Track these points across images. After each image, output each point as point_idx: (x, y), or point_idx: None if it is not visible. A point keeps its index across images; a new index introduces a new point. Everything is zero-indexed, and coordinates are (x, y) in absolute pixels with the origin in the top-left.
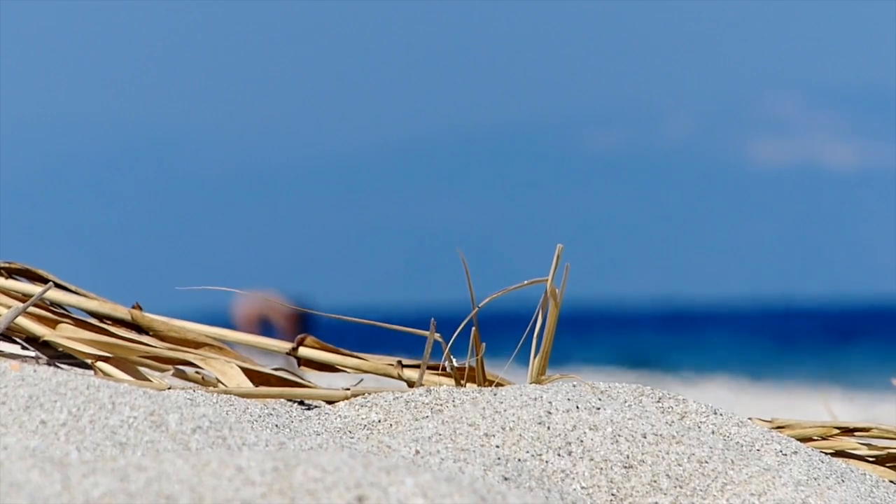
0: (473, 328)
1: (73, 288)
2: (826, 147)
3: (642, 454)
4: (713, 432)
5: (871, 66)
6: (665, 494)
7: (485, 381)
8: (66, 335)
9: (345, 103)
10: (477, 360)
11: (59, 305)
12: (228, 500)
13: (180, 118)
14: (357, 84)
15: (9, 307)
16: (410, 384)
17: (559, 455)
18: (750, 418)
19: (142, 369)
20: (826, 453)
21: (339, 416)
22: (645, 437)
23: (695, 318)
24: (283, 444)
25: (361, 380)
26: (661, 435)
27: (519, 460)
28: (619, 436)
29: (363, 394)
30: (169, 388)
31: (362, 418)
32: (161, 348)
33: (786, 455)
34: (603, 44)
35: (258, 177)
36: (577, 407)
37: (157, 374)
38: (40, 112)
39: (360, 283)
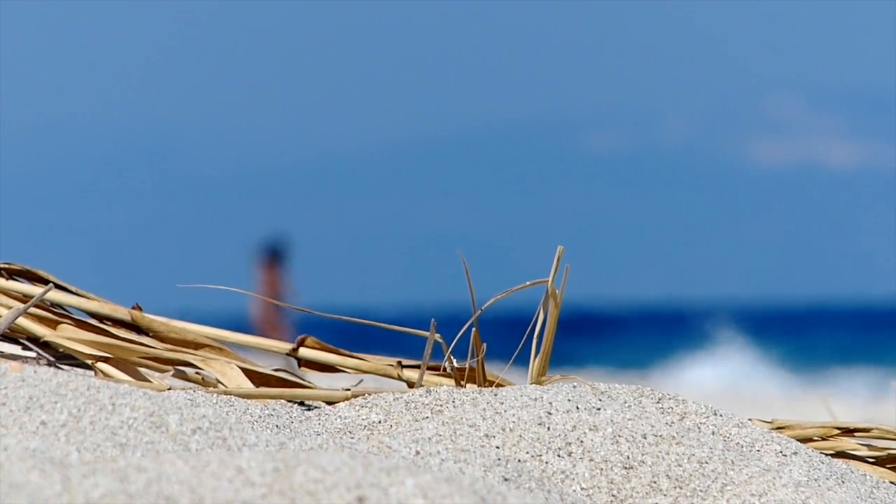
0: (474, 329)
1: (73, 289)
2: (826, 147)
3: (642, 455)
4: (713, 433)
5: (871, 66)
6: (665, 495)
7: (485, 382)
8: (66, 336)
9: (345, 103)
10: (477, 360)
11: (60, 306)
12: (228, 500)
13: (181, 118)
14: (357, 84)
15: (9, 308)
16: (410, 385)
17: (559, 456)
18: (750, 419)
19: (142, 370)
20: (826, 454)
21: (340, 416)
22: (645, 438)
23: (695, 318)
24: (284, 445)
25: (361, 380)
26: (661, 436)
27: (519, 461)
28: (619, 436)
29: (363, 394)
30: (169, 389)
31: (362, 419)
32: (161, 349)
33: (786, 456)
34: (603, 44)
35: (258, 176)
36: (578, 407)
37: (157, 374)
38: (40, 112)
39: (360, 283)
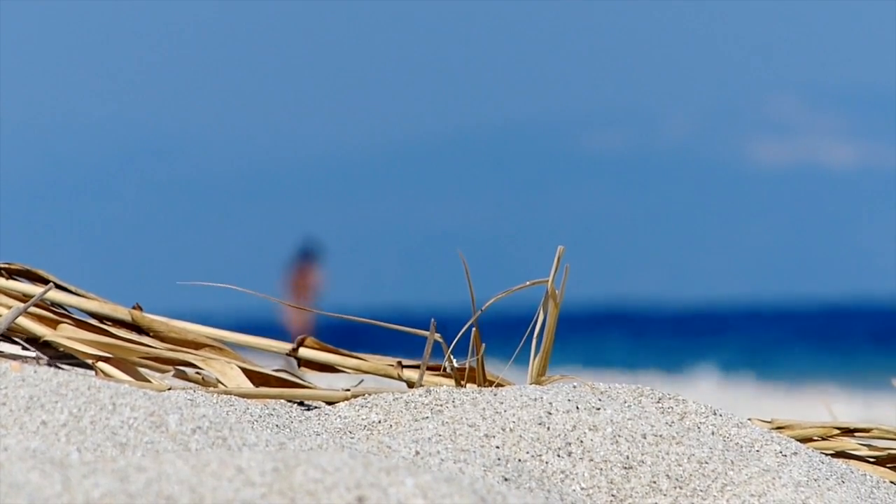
0: (474, 329)
1: (73, 288)
2: (826, 147)
3: (642, 455)
4: (713, 433)
5: (871, 66)
6: (665, 495)
7: (485, 382)
8: (66, 335)
9: (345, 103)
10: (477, 360)
11: (60, 306)
12: (228, 500)
13: (180, 118)
14: (357, 84)
15: (9, 308)
16: (410, 385)
17: (559, 456)
18: (750, 419)
19: (142, 370)
20: (826, 454)
21: (340, 416)
22: (645, 438)
23: (694, 318)
24: (284, 445)
25: (361, 380)
26: (660, 435)
27: (519, 461)
28: (618, 436)
29: (363, 394)
30: (169, 389)
31: (362, 419)
32: (161, 349)
33: (786, 456)
34: (603, 43)
35: (258, 177)
36: (577, 407)
37: (157, 374)
38: (40, 112)
39: (360, 283)
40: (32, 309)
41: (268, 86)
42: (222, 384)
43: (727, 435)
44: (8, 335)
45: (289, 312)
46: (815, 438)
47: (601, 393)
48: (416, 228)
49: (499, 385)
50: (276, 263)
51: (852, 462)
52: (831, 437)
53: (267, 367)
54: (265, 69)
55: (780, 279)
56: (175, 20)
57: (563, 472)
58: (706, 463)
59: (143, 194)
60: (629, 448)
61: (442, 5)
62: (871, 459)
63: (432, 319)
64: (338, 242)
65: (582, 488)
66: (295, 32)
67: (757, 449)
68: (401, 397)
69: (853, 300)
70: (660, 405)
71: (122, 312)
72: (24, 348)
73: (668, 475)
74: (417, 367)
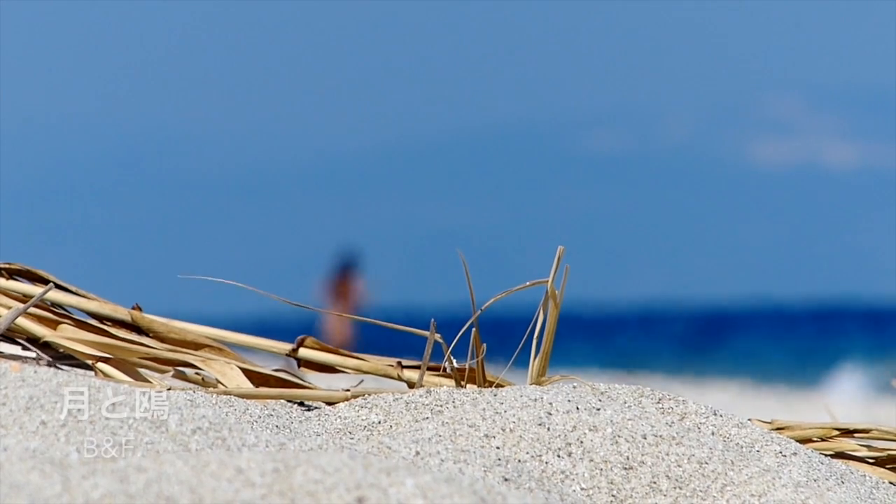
0: (474, 329)
1: (73, 289)
2: (826, 147)
3: (642, 455)
4: (713, 433)
5: (871, 66)
6: (665, 496)
7: (485, 382)
8: (66, 336)
9: (345, 103)
10: (477, 361)
11: (60, 306)
12: (228, 501)
13: (180, 118)
14: (357, 84)
15: (9, 308)
16: (411, 385)
17: (559, 456)
18: (750, 419)
19: (142, 370)
20: (826, 455)
21: (339, 417)
22: (645, 438)
23: (695, 318)
24: (283, 445)
25: (361, 381)
26: (660, 436)
27: (519, 461)
28: (619, 437)
29: (363, 395)
30: (169, 389)
31: (362, 419)
32: (161, 349)
33: (785, 456)
34: (602, 43)
35: (258, 177)
36: (578, 408)
37: (157, 375)
38: (40, 112)
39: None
40: (32, 309)
41: (267, 86)
42: (222, 384)
43: (727, 435)
44: (8, 335)
45: (331, 322)
46: (815, 439)
47: (601, 393)
48: (416, 228)
49: (499, 385)
50: (276, 263)
51: (852, 463)
52: (831, 437)
53: (267, 368)
54: (265, 70)
55: (780, 279)
56: (176, 20)
57: (563, 472)
58: (706, 463)
59: (143, 194)
60: (629, 448)
61: (443, 5)
62: (871, 460)
63: (432, 319)
64: (338, 242)
65: (582, 489)
66: (295, 33)
67: (757, 449)
68: (401, 398)
69: (853, 300)
70: (660, 406)
71: (122, 313)
72: (25, 348)
73: (668, 476)
74: (418, 367)
